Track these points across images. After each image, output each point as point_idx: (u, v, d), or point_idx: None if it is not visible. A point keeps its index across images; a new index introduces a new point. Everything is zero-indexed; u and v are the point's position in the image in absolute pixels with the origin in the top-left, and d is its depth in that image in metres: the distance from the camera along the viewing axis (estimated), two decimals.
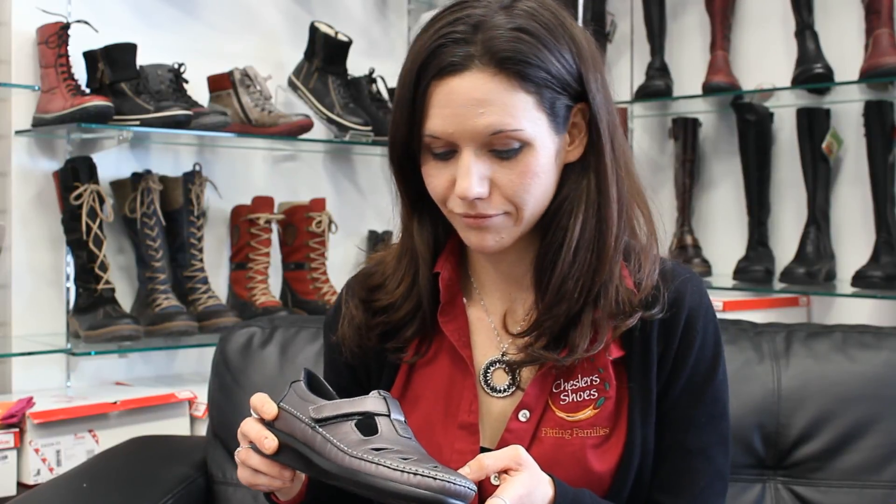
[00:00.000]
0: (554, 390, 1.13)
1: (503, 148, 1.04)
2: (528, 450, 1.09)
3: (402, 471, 0.94)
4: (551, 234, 1.10)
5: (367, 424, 1.02)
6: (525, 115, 1.03)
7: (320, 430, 1.01)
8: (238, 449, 1.10)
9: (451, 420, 1.14)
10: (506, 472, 1.02)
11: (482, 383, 1.15)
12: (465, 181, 1.04)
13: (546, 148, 1.06)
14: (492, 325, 1.18)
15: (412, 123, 1.06)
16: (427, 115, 1.05)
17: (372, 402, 1.04)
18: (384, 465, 0.96)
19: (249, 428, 1.07)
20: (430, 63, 1.04)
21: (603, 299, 1.10)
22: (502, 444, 1.11)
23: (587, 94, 1.08)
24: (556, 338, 1.11)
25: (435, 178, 1.09)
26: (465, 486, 0.95)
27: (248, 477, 1.08)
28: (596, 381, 1.13)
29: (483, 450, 1.13)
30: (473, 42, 1.03)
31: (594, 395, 1.12)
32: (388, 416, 1.03)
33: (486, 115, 1.02)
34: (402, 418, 1.05)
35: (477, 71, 1.02)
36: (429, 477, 0.93)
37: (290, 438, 1.04)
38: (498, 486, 1.01)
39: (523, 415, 1.12)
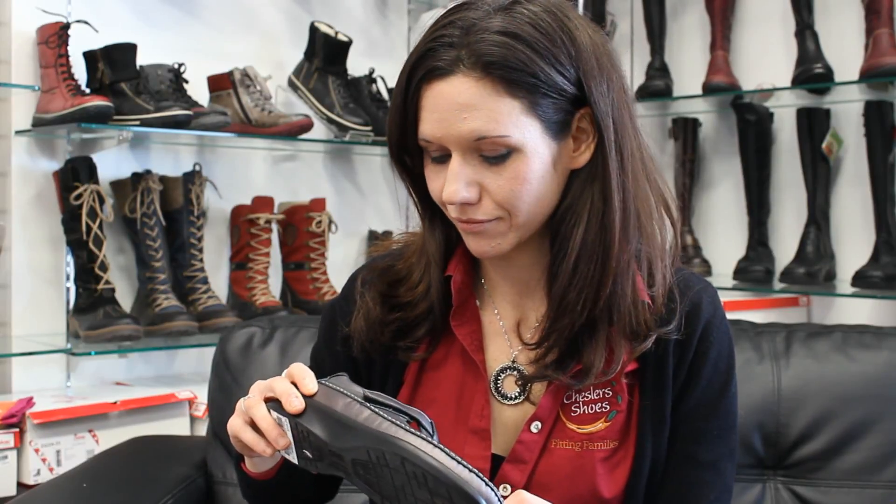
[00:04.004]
0: (565, 401, 1.11)
1: (491, 154, 1.02)
2: (538, 461, 1.09)
3: (451, 456, 0.91)
4: (558, 243, 1.08)
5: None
6: (511, 120, 1.01)
7: (370, 405, 0.97)
8: (244, 398, 1.05)
9: (461, 424, 1.13)
10: None
11: (492, 389, 1.14)
12: (450, 185, 1.04)
13: (539, 154, 1.03)
14: (503, 330, 1.16)
15: (405, 126, 1.06)
16: (420, 118, 1.04)
17: (422, 417, 0.99)
18: (438, 446, 0.91)
19: (278, 383, 1.02)
20: (420, 66, 1.03)
21: (616, 315, 1.07)
22: (514, 454, 1.10)
23: (589, 100, 1.04)
24: (568, 353, 1.08)
25: (433, 181, 1.08)
26: (498, 497, 0.91)
27: (238, 427, 1.05)
28: (608, 393, 1.11)
29: (494, 456, 1.11)
30: (462, 46, 1.01)
31: (606, 408, 1.11)
32: (432, 437, 0.98)
33: (469, 120, 1.01)
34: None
35: (462, 75, 1.01)
36: (474, 473, 0.90)
37: (324, 407, 0.99)
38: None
39: (535, 426, 1.10)
